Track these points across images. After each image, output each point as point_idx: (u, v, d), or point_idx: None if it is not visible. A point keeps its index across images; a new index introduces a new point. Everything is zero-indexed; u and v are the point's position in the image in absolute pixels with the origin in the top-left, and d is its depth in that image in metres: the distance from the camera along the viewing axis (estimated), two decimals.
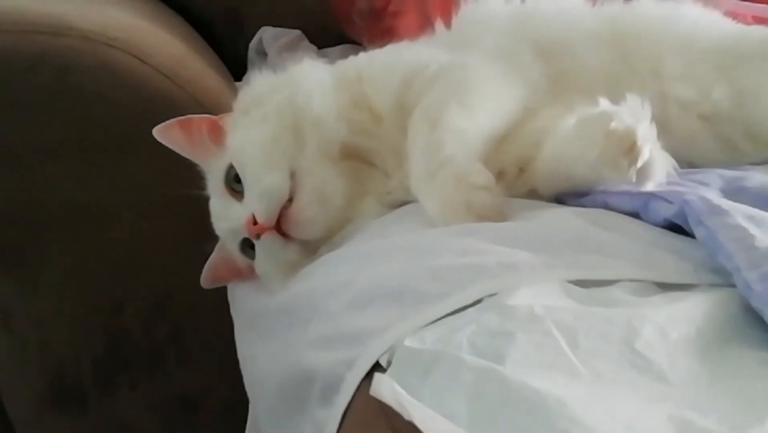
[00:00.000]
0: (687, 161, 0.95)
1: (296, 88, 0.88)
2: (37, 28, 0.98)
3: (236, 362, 0.90)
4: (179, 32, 1.35)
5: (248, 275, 0.92)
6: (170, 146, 0.91)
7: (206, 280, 0.96)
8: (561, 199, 0.84)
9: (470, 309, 0.58)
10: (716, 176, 0.82)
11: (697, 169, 0.87)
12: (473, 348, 0.53)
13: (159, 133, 0.91)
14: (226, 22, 1.62)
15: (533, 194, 0.86)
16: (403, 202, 0.87)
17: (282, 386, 0.75)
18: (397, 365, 0.54)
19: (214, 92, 1.08)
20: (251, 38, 1.54)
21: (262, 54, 1.55)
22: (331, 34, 1.54)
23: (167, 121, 0.91)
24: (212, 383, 1.15)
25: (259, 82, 0.92)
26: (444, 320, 0.58)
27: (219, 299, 1.00)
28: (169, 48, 1.09)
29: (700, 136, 0.95)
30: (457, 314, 0.58)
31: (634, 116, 0.75)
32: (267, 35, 1.55)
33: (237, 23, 1.61)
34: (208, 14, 1.60)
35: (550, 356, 0.52)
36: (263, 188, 0.84)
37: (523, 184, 0.86)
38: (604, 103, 0.77)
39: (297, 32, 1.57)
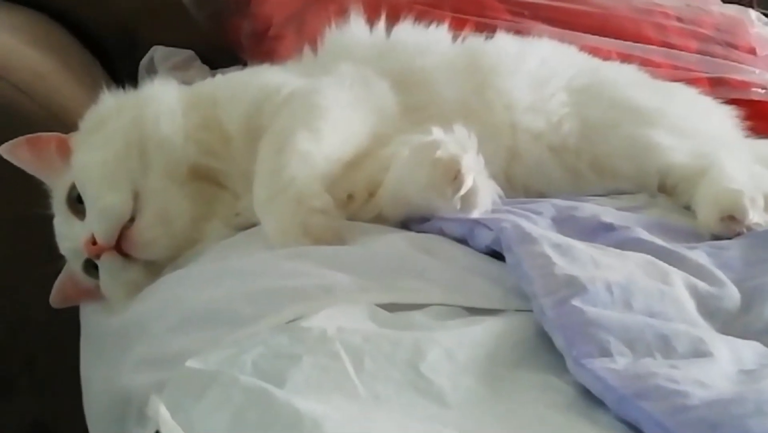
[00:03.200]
0: (536, 189, 0.98)
1: (144, 109, 0.89)
2: None
3: None
4: (58, 50, 1.33)
5: (98, 294, 0.91)
6: (18, 164, 0.91)
7: (56, 299, 0.95)
8: (406, 224, 0.85)
9: (265, 331, 0.59)
10: (550, 206, 0.85)
11: (534, 199, 0.90)
12: (256, 369, 0.54)
13: (6, 151, 0.90)
14: (120, 41, 1.60)
15: (381, 218, 0.87)
16: (251, 224, 0.88)
17: (108, 407, 0.74)
18: (175, 385, 0.54)
19: (78, 110, 1.07)
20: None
21: (153, 73, 1.54)
22: (224, 55, 1.54)
23: (15, 140, 0.90)
24: (65, 409, 1.12)
25: (105, 103, 0.92)
26: (240, 341, 0.58)
27: (75, 321, 0.98)
28: (33, 64, 1.08)
29: (549, 165, 0.98)
30: (252, 336, 0.59)
31: (461, 146, 0.77)
32: (158, 54, 1.55)
33: (131, 42, 1.60)
34: (102, 32, 1.59)
35: (334, 378, 0.54)
36: (102, 208, 0.83)
37: (372, 208, 0.88)
38: (435, 133, 0.79)
39: (189, 52, 1.57)
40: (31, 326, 1.10)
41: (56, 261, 0.94)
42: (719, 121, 1.10)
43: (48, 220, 0.92)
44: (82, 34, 1.54)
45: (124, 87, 0.98)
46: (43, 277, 0.95)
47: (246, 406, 0.49)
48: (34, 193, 0.93)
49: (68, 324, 0.97)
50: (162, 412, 0.50)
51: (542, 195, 0.97)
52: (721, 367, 0.57)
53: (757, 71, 1.37)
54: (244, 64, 1.48)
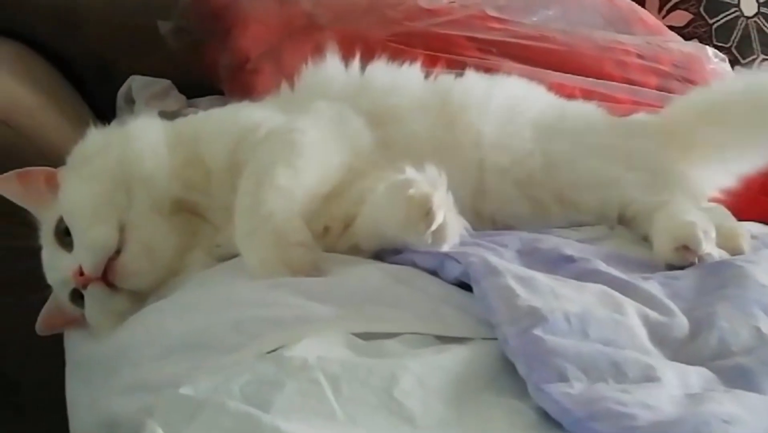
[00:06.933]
0: (503, 221, 1.03)
1: (129, 146, 0.93)
2: None
3: None
4: (41, 82, 1.37)
5: (83, 322, 0.95)
6: (9, 197, 0.95)
7: (41, 327, 0.98)
8: (379, 255, 0.90)
9: (252, 359, 0.63)
10: (516, 238, 0.90)
11: (500, 231, 0.95)
12: (243, 396, 0.58)
13: None
14: (98, 71, 1.64)
15: (356, 249, 0.92)
16: (231, 255, 0.92)
17: (96, 431, 0.78)
18: (166, 411, 0.59)
19: (63, 144, 1.11)
20: None
21: (131, 102, 1.58)
22: (201, 84, 1.58)
23: (6, 174, 0.94)
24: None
25: (92, 138, 0.96)
26: (227, 369, 0.63)
27: (58, 348, 1.01)
28: (20, 99, 1.12)
29: (514, 199, 1.03)
30: (237, 364, 0.63)
31: (432, 184, 0.82)
32: (136, 84, 1.58)
33: (109, 72, 1.63)
34: (81, 62, 1.62)
35: (314, 402, 0.58)
36: (90, 240, 0.87)
37: (348, 239, 0.92)
38: (409, 171, 0.84)
39: (166, 82, 1.60)
40: (13, 354, 1.12)
41: (43, 291, 0.97)
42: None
43: (24, 251, 0.95)
44: (60, 64, 1.58)
45: (104, 119, 1.02)
46: (26, 306, 0.98)
47: (234, 430, 0.54)
48: (12, 225, 0.96)
49: (51, 351, 1.00)
50: None
51: (509, 227, 1.01)
52: (668, 391, 0.62)
53: None
54: (221, 94, 1.53)
